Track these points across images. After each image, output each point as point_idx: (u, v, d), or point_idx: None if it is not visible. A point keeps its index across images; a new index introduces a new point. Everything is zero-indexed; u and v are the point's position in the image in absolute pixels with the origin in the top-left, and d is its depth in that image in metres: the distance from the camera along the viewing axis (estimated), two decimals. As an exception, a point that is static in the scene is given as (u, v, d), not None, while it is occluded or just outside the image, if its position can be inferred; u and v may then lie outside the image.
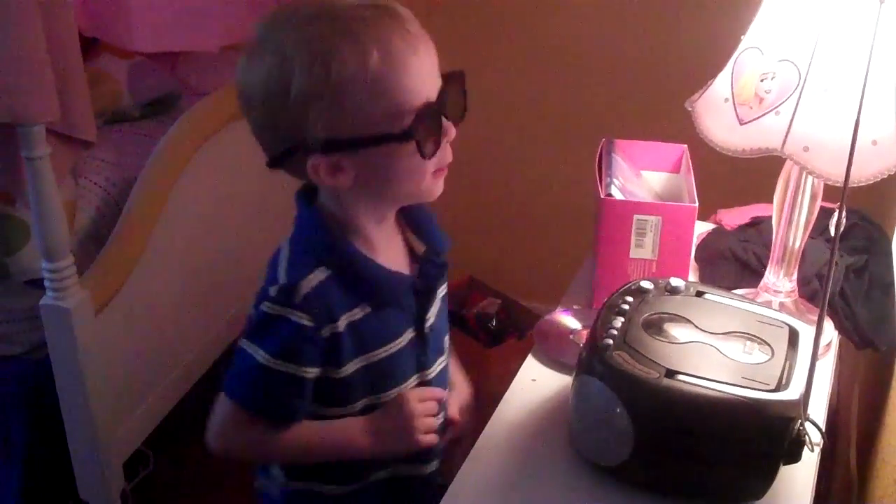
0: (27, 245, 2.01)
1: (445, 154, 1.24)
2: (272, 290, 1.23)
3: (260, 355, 1.23)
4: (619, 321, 1.33)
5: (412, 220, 1.36)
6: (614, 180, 1.64)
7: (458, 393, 1.47)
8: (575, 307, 1.67)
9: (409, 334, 1.33)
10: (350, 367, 1.28)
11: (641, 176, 1.78)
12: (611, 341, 1.28)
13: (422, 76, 1.18)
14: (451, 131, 1.22)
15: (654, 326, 1.33)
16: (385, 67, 1.14)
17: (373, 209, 1.28)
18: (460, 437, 1.43)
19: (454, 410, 1.44)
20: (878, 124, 1.38)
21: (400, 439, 1.32)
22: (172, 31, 2.36)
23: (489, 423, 1.43)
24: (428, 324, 1.35)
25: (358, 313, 1.26)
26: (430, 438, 1.34)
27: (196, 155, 2.28)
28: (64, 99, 1.83)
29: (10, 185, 1.97)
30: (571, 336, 1.60)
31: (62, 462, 2.09)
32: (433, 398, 1.35)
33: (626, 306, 1.37)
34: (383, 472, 1.39)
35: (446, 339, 1.43)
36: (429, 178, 1.24)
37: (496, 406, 1.47)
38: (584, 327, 1.60)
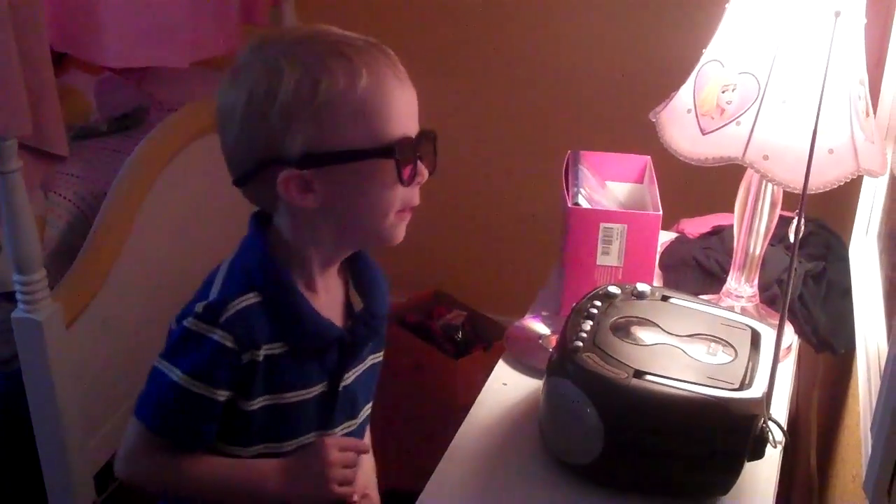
0: (-2, 258, 2.01)
1: (413, 195, 1.22)
2: (198, 307, 1.20)
3: (175, 374, 1.19)
4: (588, 324, 1.37)
5: (360, 275, 1.34)
6: (581, 190, 1.68)
7: (366, 471, 1.42)
8: (544, 313, 1.71)
9: (319, 387, 1.28)
10: (256, 403, 1.23)
11: (607, 186, 1.82)
12: (580, 343, 1.32)
13: (405, 110, 1.19)
14: (424, 173, 1.22)
15: (622, 329, 1.37)
16: (373, 91, 1.15)
17: (325, 246, 1.25)
18: None
19: (367, 487, 1.40)
20: (835, 134, 1.43)
21: (314, 486, 1.26)
22: (142, 47, 2.38)
23: (462, 426, 1.45)
24: (344, 383, 1.30)
25: (277, 349, 1.22)
26: (345, 490, 1.28)
27: (165, 169, 2.30)
28: (36, 113, 1.85)
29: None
30: (541, 341, 1.63)
31: (33, 474, 2.08)
32: (353, 449, 1.30)
33: (594, 310, 1.40)
34: None
35: (366, 407, 1.39)
36: (393, 216, 1.21)
37: (467, 412, 1.49)
38: (554, 332, 1.64)
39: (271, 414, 1.24)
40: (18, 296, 1.92)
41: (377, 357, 1.38)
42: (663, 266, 1.86)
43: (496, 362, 1.61)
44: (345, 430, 1.34)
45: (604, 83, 2.68)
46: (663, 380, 1.27)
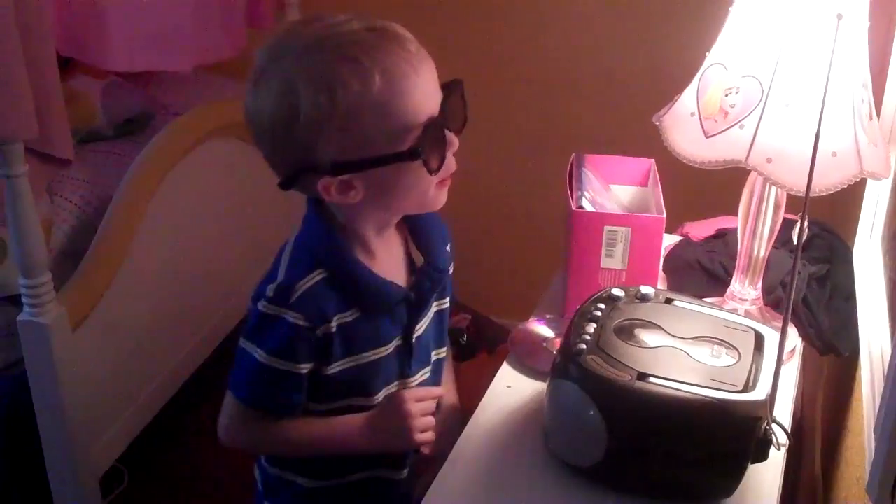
0: (4, 262, 2.02)
1: (449, 164, 1.29)
2: (269, 290, 1.28)
3: (258, 354, 1.29)
4: (591, 327, 1.37)
5: (418, 231, 1.41)
6: (585, 193, 1.68)
7: (444, 411, 1.50)
8: (548, 316, 1.71)
9: (395, 342, 1.38)
10: (337, 367, 1.33)
11: (610, 189, 1.82)
12: (584, 346, 1.32)
13: (423, 94, 1.23)
14: (455, 142, 1.28)
15: (626, 332, 1.37)
16: (388, 90, 1.19)
17: (376, 219, 1.33)
18: (435, 455, 1.44)
19: (437, 426, 1.46)
20: (838, 137, 1.43)
21: (397, 437, 1.37)
22: (148, 51, 2.38)
23: (466, 428, 1.45)
24: (416, 334, 1.39)
25: (349, 316, 1.31)
26: (427, 436, 1.39)
27: (170, 174, 2.31)
28: (42, 117, 1.86)
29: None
30: (545, 344, 1.63)
31: (38, 478, 2.09)
32: (429, 397, 1.41)
33: (598, 313, 1.41)
34: (362, 473, 1.44)
35: (437, 352, 1.48)
36: (433, 189, 1.29)
37: (471, 414, 1.49)
38: (557, 336, 1.64)
39: (353, 373, 1.34)
40: (24, 299, 1.93)
41: (443, 304, 1.47)
42: (667, 269, 1.86)
43: (500, 365, 1.62)
44: (422, 377, 1.44)
45: (608, 86, 2.69)
46: (667, 382, 1.27)
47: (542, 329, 1.68)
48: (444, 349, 1.52)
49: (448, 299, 1.48)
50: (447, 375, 1.57)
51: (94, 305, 2.08)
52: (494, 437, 1.44)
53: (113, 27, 2.27)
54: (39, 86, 1.85)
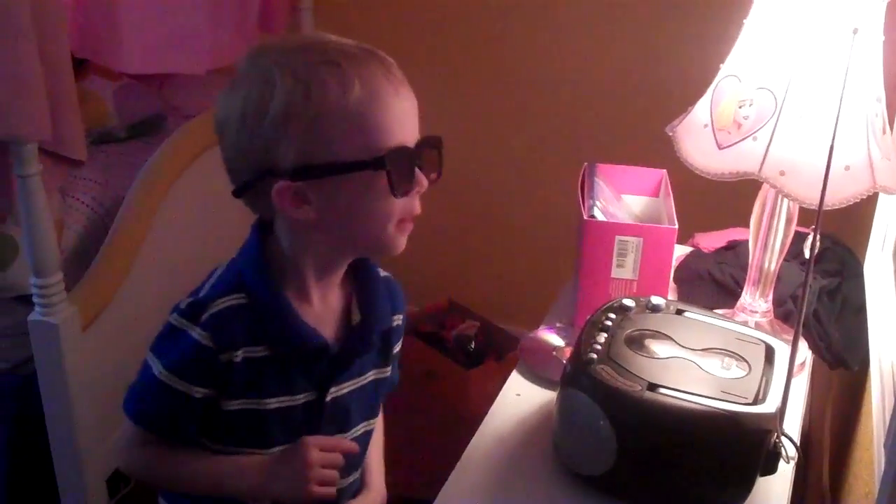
0: (16, 261, 2.03)
1: (414, 204, 1.19)
2: (183, 303, 1.22)
3: (157, 368, 1.21)
4: (602, 337, 1.37)
5: (365, 290, 1.31)
6: (597, 203, 1.68)
7: (370, 496, 1.42)
8: (558, 325, 1.71)
9: (305, 396, 1.26)
10: (236, 404, 1.23)
11: (622, 199, 1.82)
12: (595, 356, 1.32)
13: (400, 119, 1.16)
14: (423, 182, 1.18)
15: (636, 342, 1.38)
16: (366, 101, 1.13)
17: (321, 256, 1.23)
18: None
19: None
20: (851, 150, 1.43)
21: (291, 487, 1.22)
22: (162, 54, 2.39)
23: (475, 435, 1.46)
24: (332, 395, 1.28)
25: (259, 352, 1.21)
26: (325, 491, 1.23)
27: (182, 175, 2.31)
28: (56, 118, 1.86)
29: (0, 202, 2.00)
30: (555, 352, 1.64)
31: (46, 478, 2.10)
32: (339, 449, 1.25)
33: (609, 323, 1.41)
34: None
35: (363, 424, 1.36)
36: (392, 227, 1.19)
37: (480, 422, 1.50)
38: (568, 344, 1.64)
39: (251, 417, 1.24)
40: (35, 299, 1.94)
41: (383, 373, 1.36)
42: (678, 280, 1.87)
43: (509, 373, 1.62)
44: None
45: (621, 96, 2.69)
46: (677, 393, 1.27)
47: (553, 338, 1.68)
48: (374, 421, 1.39)
49: (390, 370, 1.37)
50: (375, 455, 1.45)
51: (104, 306, 2.09)
52: (503, 445, 1.44)
53: (127, 29, 2.28)
54: (54, 87, 1.86)
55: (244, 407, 1.23)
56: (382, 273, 1.35)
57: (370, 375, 1.33)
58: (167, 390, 1.20)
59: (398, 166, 1.15)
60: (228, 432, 1.25)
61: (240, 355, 1.20)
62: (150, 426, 1.26)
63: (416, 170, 1.17)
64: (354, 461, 1.36)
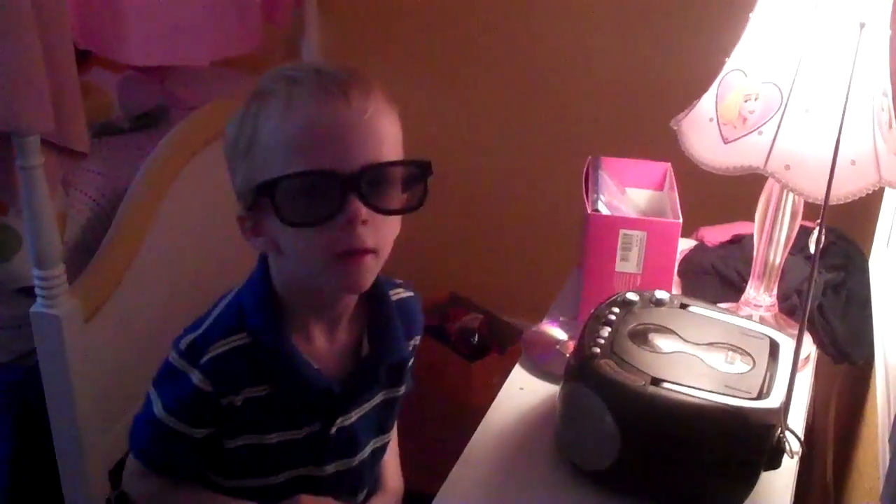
0: (18, 253, 2.02)
1: (347, 237, 1.10)
2: (183, 343, 1.19)
3: (157, 407, 1.20)
4: (606, 331, 1.37)
5: (377, 320, 1.27)
6: (601, 196, 1.68)
7: (385, 497, 1.43)
8: (562, 319, 1.71)
9: (308, 428, 1.25)
10: (238, 441, 1.22)
11: (627, 193, 1.82)
12: (598, 350, 1.32)
13: (326, 143, 1.08)
14: (357, 213, 1.08)
15: (640, 337, 1.37)
16: (302, 124, 1.08)
17: (306, 293, 1.20)
18: None
19: None
20: (857, 145, 1.42)
21: None
22: (164, 45, 2.38)
23: (478, 429, 1.46)
24: (337, 426, 1.26)
25: (261, 391, 1.20)
26: None
27: (185, 168, 2.31)
28: (58, 110, 1.86)
29: (2, 193, 1.99)
30: (558, 346, 1.63)
31: (48, 469, 2.09)
32: None
33: (612, 317, 1.41)
34: None
35: (373, 441, 1.34)
36: (325, 262, 1.12)
37: (483, 415, 1.50)
38: (571, 338, 1.64)
39: (253, 451, 1.23)
40: (37, 290, 1.93)
41: (394, 392, 1.34)
42: (682, 274, 1.86)
43: (511, 366, 1.62)
44: (339, 469, 1.30)
45: (625, 89, 2.68)
46: (681, 388, 1.26)
47: (556, 331, 1.68)
48: (387, 436, 1.38)
49: (403, 388, 1.35)
50: (391, 454, 1.45)
51: (106, 298, 2.08)
52: (506, 438, 1.44)
53: (130, 20, 2.27)
54: (56, 78, 1.85)
55: (246, 443, 1.23)
56: (402, 293, 1.33)
57: (379, 398, 1.32)
58: (167, 430, 1.21)
59: (289, 193, 1.08)
60: (231, 464, 1.25)
61: (241, 398, 1.19)
62: (149, 463, 1.27)
63: (355, 200, 1.08)
64: (362, 481, 1.37)
